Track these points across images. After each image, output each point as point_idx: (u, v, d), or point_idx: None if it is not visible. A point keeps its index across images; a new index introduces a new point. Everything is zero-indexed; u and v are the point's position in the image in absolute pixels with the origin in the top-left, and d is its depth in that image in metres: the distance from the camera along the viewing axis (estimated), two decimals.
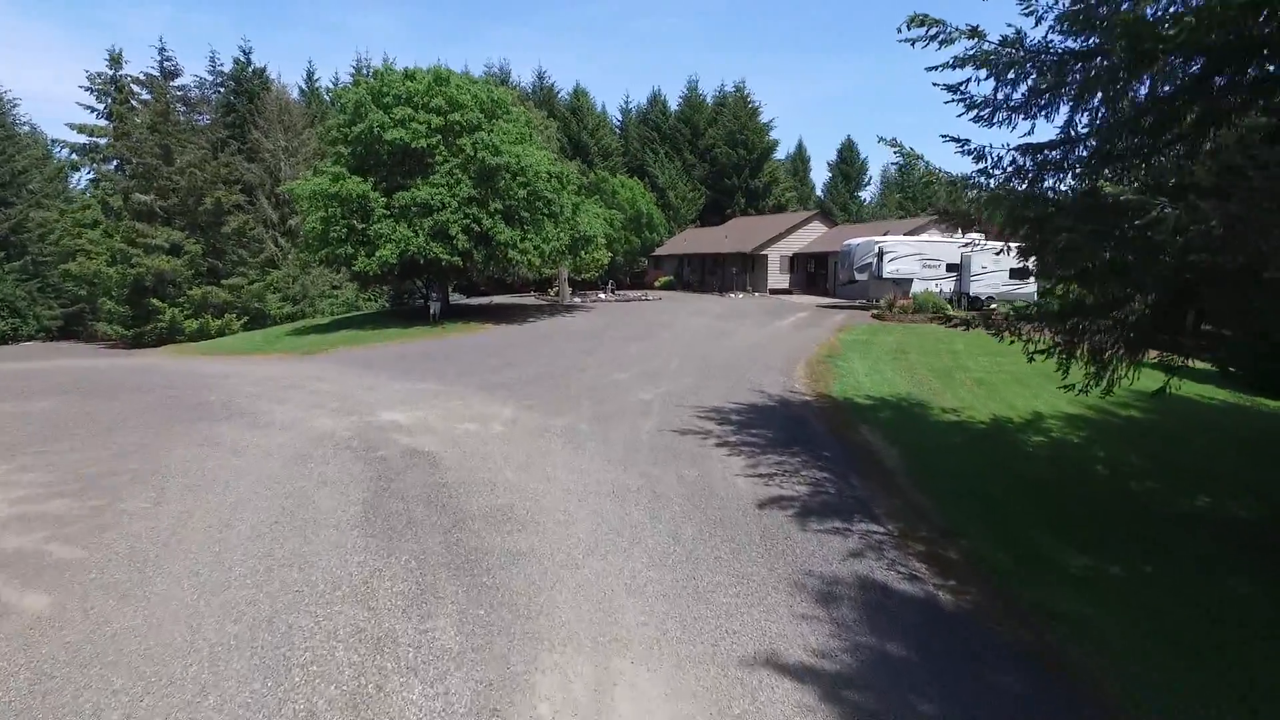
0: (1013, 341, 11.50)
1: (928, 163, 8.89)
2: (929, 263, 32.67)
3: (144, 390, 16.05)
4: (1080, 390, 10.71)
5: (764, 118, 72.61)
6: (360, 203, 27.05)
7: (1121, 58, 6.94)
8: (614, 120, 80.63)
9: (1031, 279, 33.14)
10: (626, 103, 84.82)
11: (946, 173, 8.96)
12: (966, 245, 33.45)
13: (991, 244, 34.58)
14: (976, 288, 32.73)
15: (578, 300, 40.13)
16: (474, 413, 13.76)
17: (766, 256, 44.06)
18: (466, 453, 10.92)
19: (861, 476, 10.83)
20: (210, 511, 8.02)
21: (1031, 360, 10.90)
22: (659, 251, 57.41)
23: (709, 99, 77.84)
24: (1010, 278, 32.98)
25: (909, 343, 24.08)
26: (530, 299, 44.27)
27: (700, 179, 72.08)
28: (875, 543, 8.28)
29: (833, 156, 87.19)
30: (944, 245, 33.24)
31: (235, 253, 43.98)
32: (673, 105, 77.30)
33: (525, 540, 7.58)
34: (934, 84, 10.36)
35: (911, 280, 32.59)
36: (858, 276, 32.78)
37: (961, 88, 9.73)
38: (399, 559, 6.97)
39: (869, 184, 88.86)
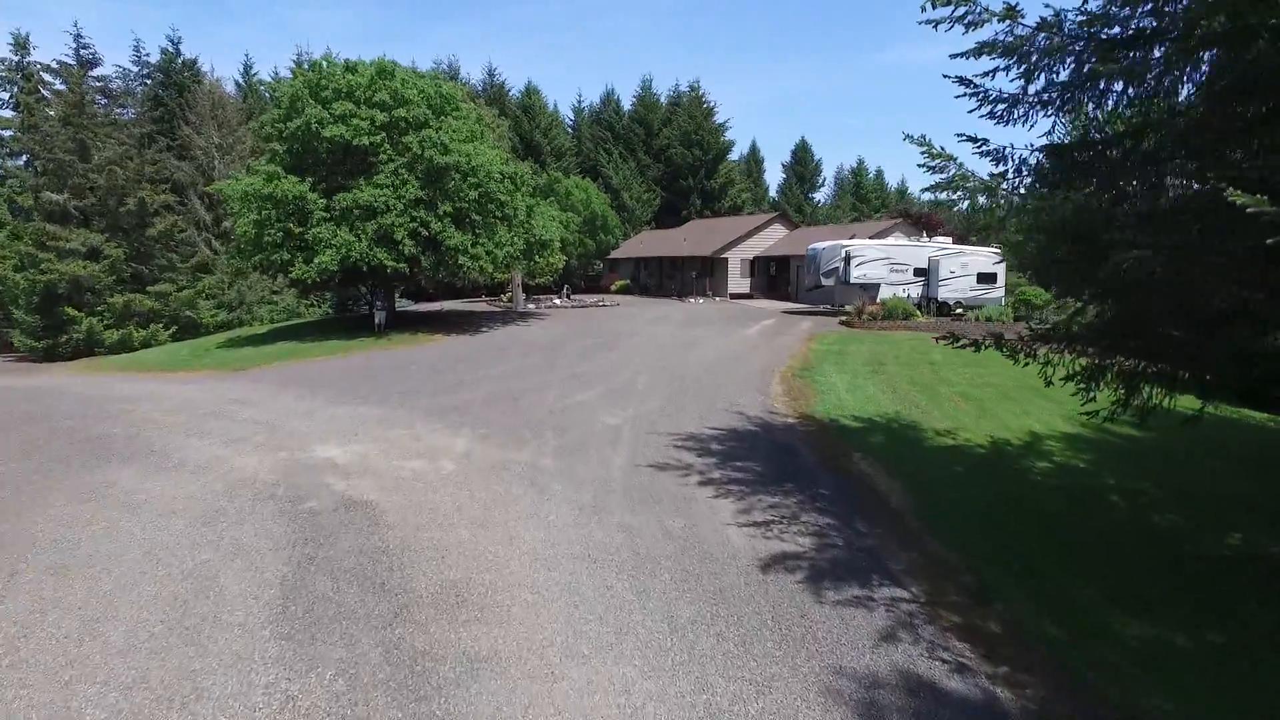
0: (1026, 363, 10.34)
1: (960, 164, 7.62)
2: (897, 267, 31.90)
3: (35, 420, 13.95)
4: (1108, 418, 9.63)
5: (719, 118, 71.88)
6: (297, 204, 24.96)
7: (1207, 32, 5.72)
8: (566, 120, 79.02)
9: (999, 284, 32.72)
10: (579, 102, 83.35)
11: (977, 176, 7.70)
12: (935, 249, 32.80)
13: (959, 248, 34.02)
14: (945, 293, 32.08)
15: (532, 306, 38.43)
16: (422, 446, 12.11)
17: (726, 260, 42.98)
18: (412, 502, 9.30)
19: (867, 520, 9.55)
20: (74, 609, 6.28)
21: (1050, 384, 9.80)
22: (615, 254, 55.94)
23: (663, 99, 76.74)
24: (978, 282, 32.45)
25: (884, 353, 23.09)
26: (482, 305, 42.38)
27: (655, 180, 70.87)
28: (905, 615, 6.97)
29: (786, 157, 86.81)
30: (912, 249, 32.54)
31: (164, 257, 41.06)
32: (626, 105, 76.01)
33: (486, 637, 6.04)
34: (945, 76, 9.12)
35: (879, 285, 31.78)
36: (824, 281, 31.84)
37: (985, 77, 8.53)
38: (322, 677, 5.37)
39: (823, 185, 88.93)
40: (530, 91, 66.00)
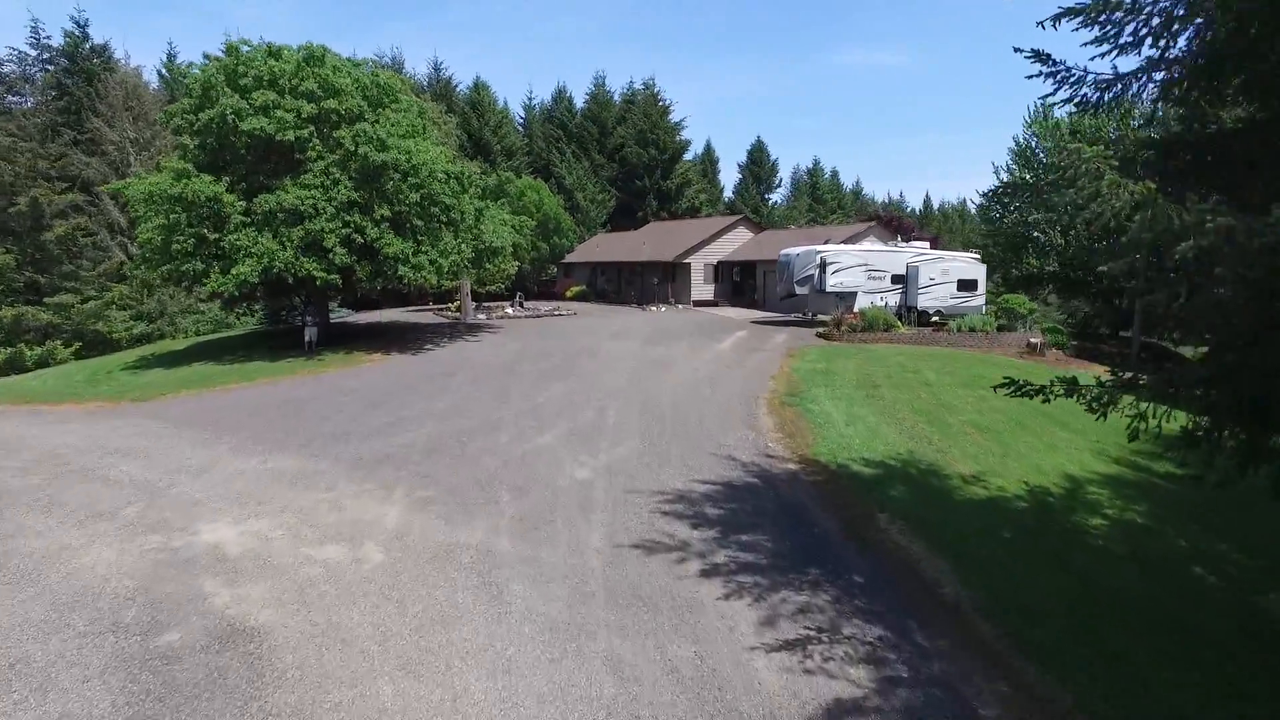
0: (1100, 415, 8.18)
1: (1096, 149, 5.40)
2: (874, 274, 30.10)
3: None
4: (1218, 485, 7.58)
5: (675, 116, 69.76)
6: (211, 207, 21.84)
7: None
8: (517, 118, 76.15)
9: (979, 291, 31.15)
10: (530, 99, 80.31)
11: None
12: (914, 255, 31.09)
13: (938, 253, 32.38)
14: (924, 301, 30.39)
15: (482, 317, 35.63)
16: (343, 518, 9.49)
17: (689, 265, 40.79)
18: (319, 628, 6.73)
19: (925, 626, 7.32)
20: None
21: (1135, 439, 7.69)
22: (570, 258, 53.32)
23: (617, 97, 74.45)
24: (959, 290, 30.85)
25: (874, 372, 21.09)
26: (429, 315, 39.36)
27: (610, 180, 68.47)
28: None
29: (740, 158, 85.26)
30: (890, 255, 30.77)
31: (70, 263, 37.04)
32: (579, 103, 73.49)
33: None
34: (1016, 49, 6.96)
35: (856, 293, 29.93)
36: (798, 290, 29.83)
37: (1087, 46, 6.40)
38: None
39: (780, 186, 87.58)
40: (479, 87, 62.93)
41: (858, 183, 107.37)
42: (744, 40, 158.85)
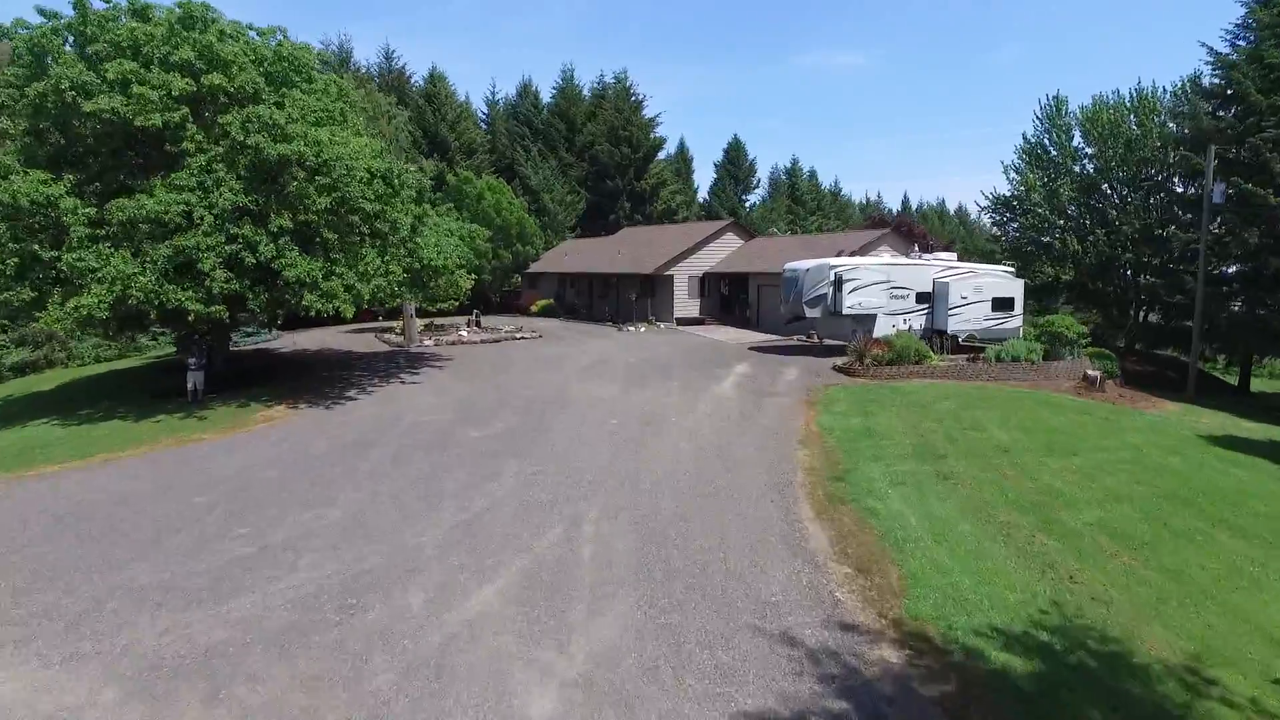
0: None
1: None
2: (897, 292, 25.27)
3: None
4: None
5: (649, 112, 64.74)
6: (45, 215, 16.21)
7: None
8: (480, 114, 70.73)
9: (1016, 311, 26.51)
10: (493, 94, 74.66)
11: None
12: (941, 269, 26.33)
13: (969, 266, 27.61)
14: (955, 324, 25.63)
15: (429, 343, 30.10)
16: None
17: (671, 278, 35.67)
18: None
19: None
20: None
21: None
22: (535, 267, 47.92)
23: (586, 92, 69.29)
24: (993, 310, 26.14)
25: (925, 428, 16.23)
26: (368, 337, 33.70)
27: (579, 181, 63.25)
28: None
29: (715, 158, 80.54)
30: (914, 269, 25.95)
31: None
32: (546, 97, 68.11)
33: None
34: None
35: (875, 316, 25.07)
36: (808, 312, 24.86)
37: None
38: None
39: (758, 186, 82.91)
40: (435, 78, 57.17)
41: (836, 183, 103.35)
42: (713, 41, 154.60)
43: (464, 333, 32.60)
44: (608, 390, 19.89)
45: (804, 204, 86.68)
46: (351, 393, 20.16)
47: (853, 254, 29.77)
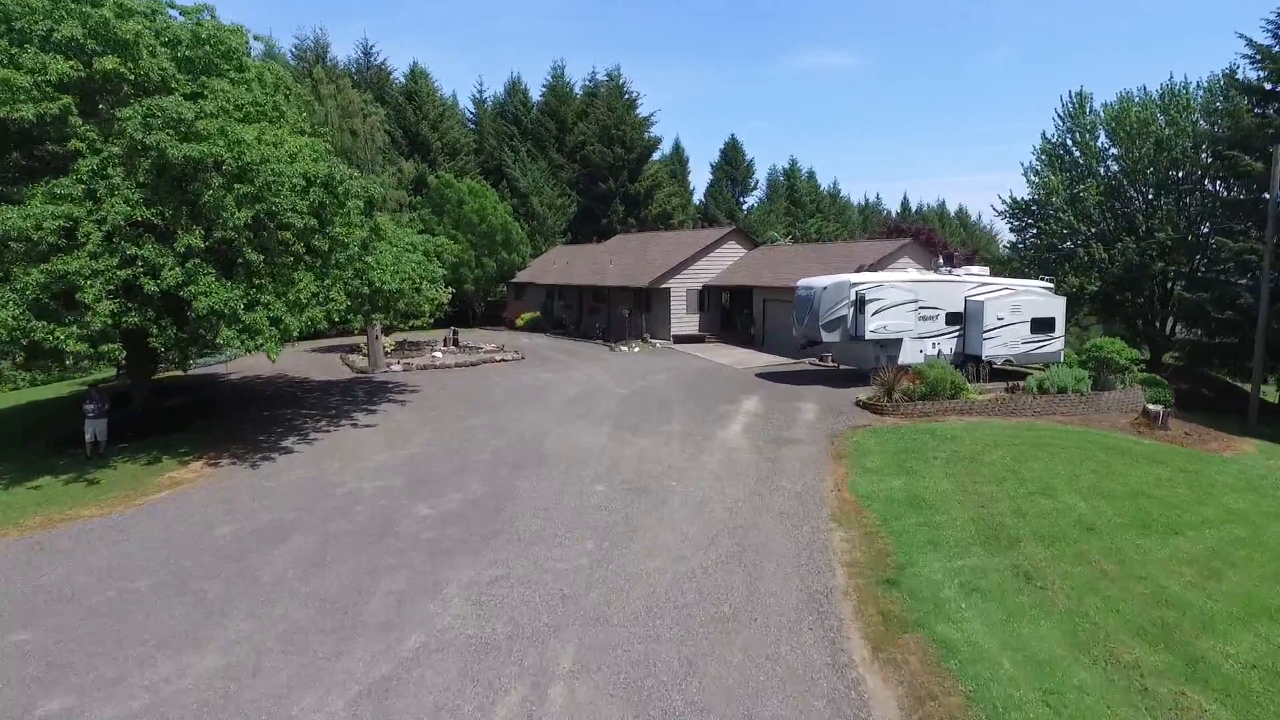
0: None
1: None
2: (926, 313, 22.16)
3: None
4: None
5: (643, 110, 61.57)
6: None
7: None
8: (467, 113, 67.56)
9: (1058, 333, 23.43)
10: (480, 92, 71.43)
11: None
12: (974, 286, 23.24)
13: (1003, 283, 24.52)
14: (991, 348, 22.55)
15: (397, 368, 26.79)
16: None
17: (668, 291, 32.48)
18: None
19: None
20: None
21: None
22: (522, 276, 44.66)
23: (578, 89, 66.09)
24: (1032, 332, 23.06)
25: (985, 494, 13.11)
26: (333, 359, 30.40)
27: (570, 182, 60.09)
28: None
29: (712, 159, 77.40)
30: (944, 286, 22.82)
31: None
32: (536, 96, 64.89)
33: None
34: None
35: (901, 340, 21.95)
36: (825, 336, 21.69)
37: None
38: None
39: (756, 188, 79.81)
40: (417, 75, 53.81)
41: (835, 184, 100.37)
42: (707, 41, 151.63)
43: (438, 353, 29.36)
44: (594, 437, 16.68)
45: (803, 206, 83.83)
46: (290, 440, 16.88)
47: (871, 267, 26.62)
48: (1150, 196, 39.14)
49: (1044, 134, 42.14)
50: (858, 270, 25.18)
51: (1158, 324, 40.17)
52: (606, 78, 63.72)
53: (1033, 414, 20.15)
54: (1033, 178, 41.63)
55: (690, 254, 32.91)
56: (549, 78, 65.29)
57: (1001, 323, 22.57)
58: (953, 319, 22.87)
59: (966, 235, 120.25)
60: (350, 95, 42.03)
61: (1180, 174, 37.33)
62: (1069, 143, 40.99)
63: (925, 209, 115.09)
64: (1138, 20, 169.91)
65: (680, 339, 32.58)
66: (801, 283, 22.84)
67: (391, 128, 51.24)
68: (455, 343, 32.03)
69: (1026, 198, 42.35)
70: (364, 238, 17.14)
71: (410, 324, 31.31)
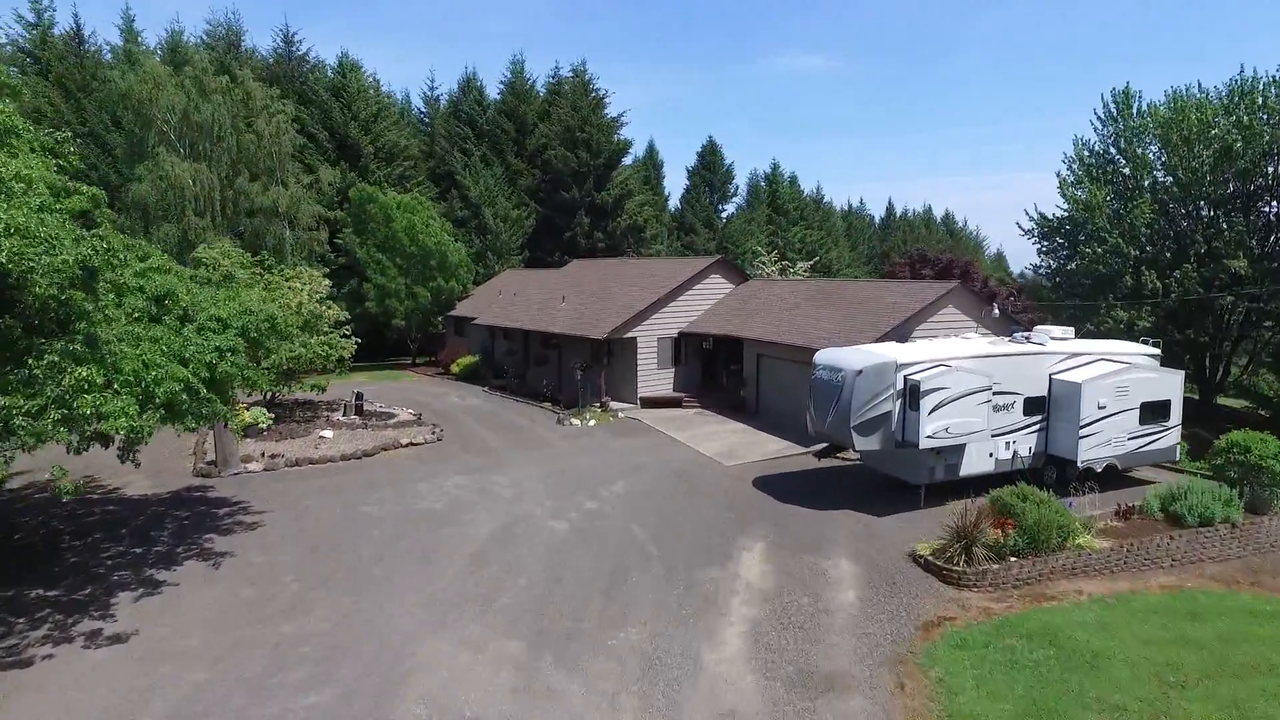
0: None
1: None
2: (1000, 400, 15.36)
3: None
4: None
5: (612, 110, 54.47)
6: None
7: None
8: (418, 113, 60.34)
9: (1173, 421, 16.72)
10: (432, 89, 63.71)
11: None
12: (1063, 356, 16.46)
13: (1102, 348, 17.27)
14: (1090, 448, 15.80)
15: (256, 468, 19.34)
16: None
17: (634, 342, 25.45)
18: None
19: None
20: None
21: None
22: (462, 308, 37.32)
23: (540, 87, 58.95)
24: (1141, 421, 16.32)
25: None
26: (181, 444, 22.89)
27: (530, 191, 52.93)
28: None
29: (689, 163, 70.40)
30: (1024, 362, 15.98)
31: None
32: (493, 94, 57.54)
33: None
34: None
35: (965, 445, 15.13)
36: (860, 441, 14.74)
37: None
38: None
39: (735, 195, 72.96)
40: (346, 68, 46.08)
41: (818, 189, 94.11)
42: (681, 42, 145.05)
43: (327, 432, 22.04)
44: (489, 681, 9.54)
45: (786, 214, 77.40)
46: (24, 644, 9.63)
47: (903, 325, 19.68)
48: (1209, 213, 32.93)
49: (1080, 140, 35.65)
50: (888, 336, 18.30)
51: (1208, 361, 34.12)
52: (571, 74, 56.47)
53: (1171, 563, 13.47)
54: (1067, 191, 35.16)
55: (664, 292, 25.84)
56: (508, 74, 58.00)
57: (1103, 412, 15.81)
58: (1033, 406, 16.06)
59: (953, 243, 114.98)
60: (251, 89, 34.52)
61: (1252, 186, 31.13)
62: (1112, 150, 34.61)
63: (911, 215, 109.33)
64: (1135, 22, 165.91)
65: (649, 402, 25.50)
66: (822, 359, 15.86)
67: (315, 129, 43.71)
68: (359, 410, 24.73)
69: (1060, 214, 35.94)
70: (131, 311, 9.92)
71: (311, 385, 24.16)
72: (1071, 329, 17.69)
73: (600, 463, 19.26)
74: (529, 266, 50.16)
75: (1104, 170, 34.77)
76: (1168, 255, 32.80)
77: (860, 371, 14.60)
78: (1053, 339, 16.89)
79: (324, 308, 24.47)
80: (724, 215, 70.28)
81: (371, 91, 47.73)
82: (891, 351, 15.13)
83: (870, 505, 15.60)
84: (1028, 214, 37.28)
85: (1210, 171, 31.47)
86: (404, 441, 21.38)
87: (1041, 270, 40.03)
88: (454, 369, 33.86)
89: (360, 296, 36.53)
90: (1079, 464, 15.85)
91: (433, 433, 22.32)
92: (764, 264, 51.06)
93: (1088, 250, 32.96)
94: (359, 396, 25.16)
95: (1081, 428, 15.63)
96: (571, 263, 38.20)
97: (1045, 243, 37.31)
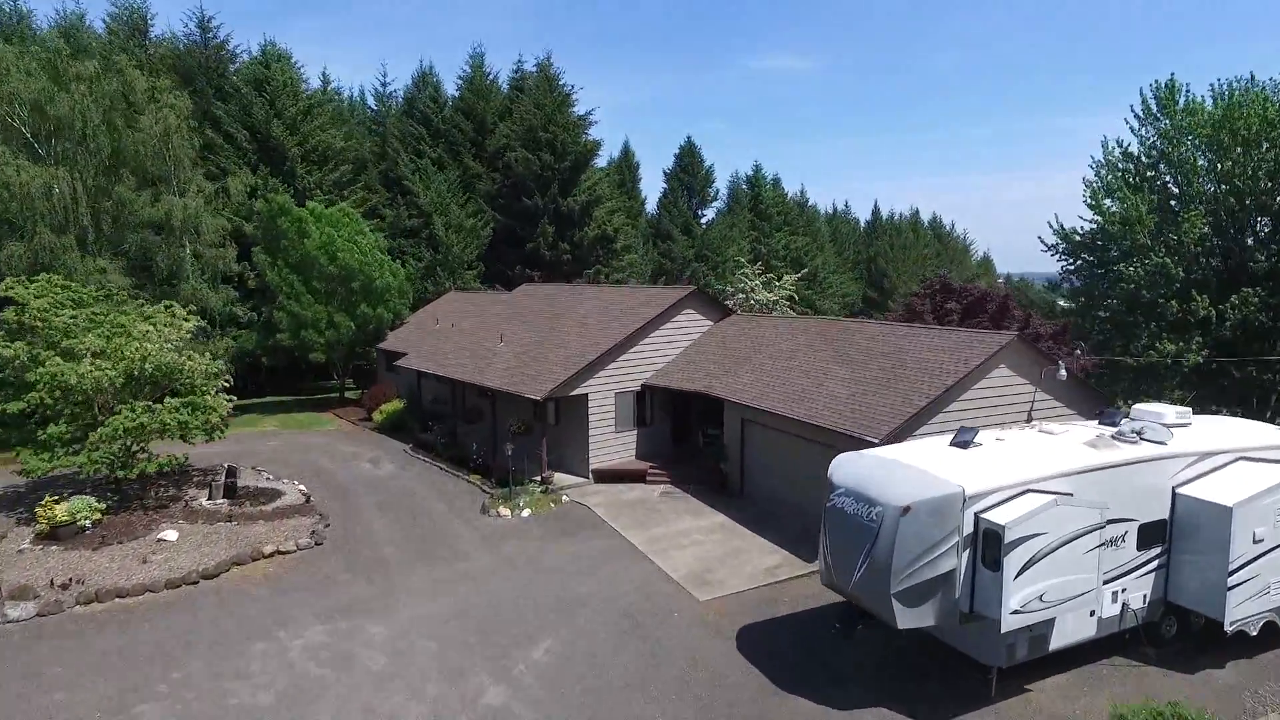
0: None
1: None
2: (1112, 538, 10.13)
3: None
4: None
5: (580, 108, 48.98)
6: None
7: None
8: (373, 112, 55.01)
9: None
10: (384, 85, 57.70)
11: None
12: (1189, 463, 11.22)
13: (1236, 443, 11.73)
14: (1244, 599, 10.63)
15: (25, 612, 13.81)
16: None
17: (586, 399, 20.01)
18: None
19: None
20: None
21: None
22: (392, 340, 31.60)
23: (504, 82, 53.51)
24: None
25: None
26: None
27: (489, 198, 47.38)
28: None
29: (666, 164, 65.07)
30: (1138, 472, 10.71)
31: None
32: (451, 90, 51.99)
33: None
34: None
35: (1056, 616, 9.89)
36: (905, 614, 9.50)
37: None
38: None
39: (715, 198, 67.59)
40: (270, 58, 40.11)
41: (802, 191, 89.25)
42: (660, 40, 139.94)
43: (169, 534, 16.40)
44: None
45: (769, 219, 72.44)
46: None
47: (949, 391, 14.38)
48: (1270, 227, 28.11)
49: (1117, 142, 30.60)
50: (927, 413, 13.02)
51: (1255, 401, 29.35)
52: (536, 69, 50.86)
53: None
54: (1099, 202, 30.11)
55: (621, 336, 20.39)
56: (466, 68, 52.44)
57: (1262, 546, 10.64)
58: (1150, 536, 10.86)
59: (940, 247, 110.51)
60: (132, 78, 28.70)
61: None
62: (1156, 149, 29.55)
63: (898, 218, 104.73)
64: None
65: (605, 475, 20.08)
66: (845, 477, 10.50)
67: (233, 127, 37.87)
68: (230, 491, 19.10)
69: (1089, 228, 30.92)
70: None
71: (160, 466, 18.70)
72: (1188, 409, 12.48)
73: (525, 594, 13.83)
74: (486, 282, 44.68)
75: (1144, 177, 29.79)
76: (1224, 276, 27.92)
77: (907, 510, 9.29)
78: (1169, 426, 11.66)
79: (185, 359, 18.86)
80: (704, 221, 64.98)
81: (304, 86, 41.90)
82: (953, 471, 9.81)
83: (915, 695, 10.30)
84: (1050, 226, 32.29)
85: (1273, 178, 26.66)
86: (268, 550, 15.81)
87: (1060, 288, 35.14)
88: (378, 416, 28.17)
89: (273, 326, 30.83)
90: (1227, 625, 10.65)
91: (312, 534, 16.75)
92: (746, 277, 45.96)
93: (1129, 271, 27.92)
94: (231, 472, 19.50)
95: (1232, 571, 10.44)
96: (520, 287, 32.58)
97: (1068, 259, 32.29)
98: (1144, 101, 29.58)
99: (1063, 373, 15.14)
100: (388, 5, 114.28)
